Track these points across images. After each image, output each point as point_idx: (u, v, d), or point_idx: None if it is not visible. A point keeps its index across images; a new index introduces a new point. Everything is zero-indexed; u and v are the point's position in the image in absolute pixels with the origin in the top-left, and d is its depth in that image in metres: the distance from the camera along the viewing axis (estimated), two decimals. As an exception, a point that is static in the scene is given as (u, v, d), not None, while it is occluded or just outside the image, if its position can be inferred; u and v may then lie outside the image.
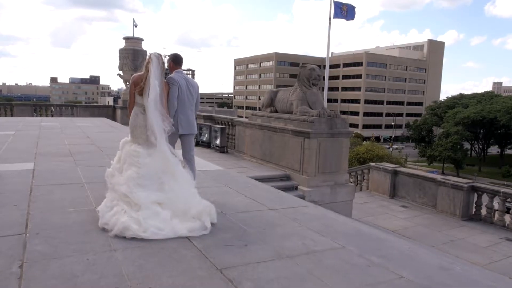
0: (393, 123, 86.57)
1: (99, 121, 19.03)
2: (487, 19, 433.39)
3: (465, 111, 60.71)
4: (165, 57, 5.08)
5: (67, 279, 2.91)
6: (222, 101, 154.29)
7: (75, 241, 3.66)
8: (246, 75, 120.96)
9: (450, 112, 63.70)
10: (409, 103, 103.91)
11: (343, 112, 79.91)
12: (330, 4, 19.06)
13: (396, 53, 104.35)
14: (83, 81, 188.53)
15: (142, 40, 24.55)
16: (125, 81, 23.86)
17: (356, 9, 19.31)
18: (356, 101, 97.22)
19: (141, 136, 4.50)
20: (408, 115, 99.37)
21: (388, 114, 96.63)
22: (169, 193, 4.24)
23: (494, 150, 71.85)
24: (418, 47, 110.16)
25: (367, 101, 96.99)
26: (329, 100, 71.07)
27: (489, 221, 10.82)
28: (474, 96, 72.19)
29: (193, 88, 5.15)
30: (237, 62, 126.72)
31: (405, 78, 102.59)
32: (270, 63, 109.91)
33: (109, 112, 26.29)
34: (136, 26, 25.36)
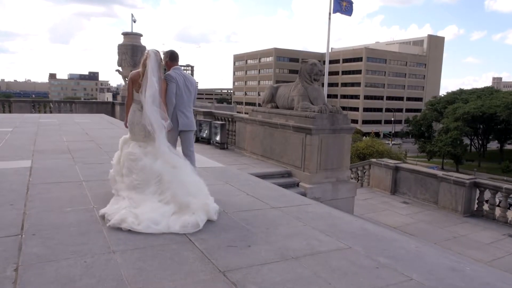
0: (392, 119, 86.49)
1: (98, 118, 18.88)
2: (487, 14, 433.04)
3: (465, 107, 60.58)
4: (162, 54, 5.03)
5: (64, 284, 2.79)
6: (221, 97, 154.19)
7: (73, 242, 3.54)
8: (246, 71, 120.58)
9: (450, 107, 63.58)
10: (408, 99, 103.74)
11: (343, 108, 78.47)
12: (330, -1, 18.85)
13: (396, 49, 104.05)
14: (82, 77, 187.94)
15: (141, 35, 24.39)
16: (124, 77, 23.70)
17: (353, 5, 19.13)
18: (356, 97, 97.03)
19: (140, 133, 4.54)
20: (407, 110, 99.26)
21: (387, 110, 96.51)
22: (169, 187, 4.28)
23: (493, 145, 71.82)
24: (418, 42, 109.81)
25: (366, 97, 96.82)
26: (328, 96, 70.72)
27: (491, 217, 10.74)
28: (474, 91, 72.07)
29: (191, 85, 5.20)
30: (237, 58, 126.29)
31: (405, 74, 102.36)
32: (269, 59, 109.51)
33: (108, 109, 26.14)
34: (135, 22, 25.17)
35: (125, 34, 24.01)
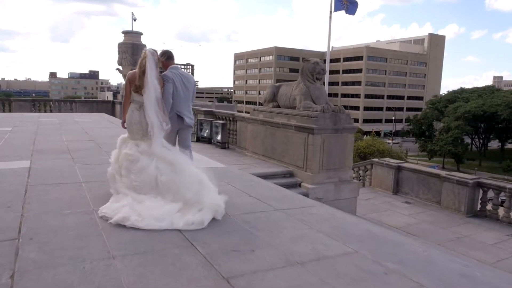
0: (393, 118, 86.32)
1: (98, 117, 18.78)
2: (487, 12, 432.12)
3: (466, 106, 60.45)
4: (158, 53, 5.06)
5: (62, 291, 2.69)
6: (221, 96, 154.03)
7: (71, 247, 3.43)
8: (246, 70, 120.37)
9: (451, 106, 63.42)
10: (409, 98, 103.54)
11: (344, 107, 79.47)
12: (331, -3, 18.69)
13: (397, 47, 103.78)
14: (82, 76, 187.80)
15: (141, 34, 24.27)
16: (124, 76, 23.52)
17: (357, 6, 18.88)
18: (357, 96, 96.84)
19: (138, 133, 4.56)
20: (408, 109, 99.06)
21: (388, 109, 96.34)
22: (170, 187, 4.26)
23: (494, 144, 71.69)
24: (418, 41, 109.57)
25: (367, 96, 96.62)
26: (329, 95, 70.49)
27: (494, 217, 10.63)
28: (474, 90, 71.90)
29: (189, 82, 5.23)
30: (237, 57, 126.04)
31: (406, 72, 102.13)
32: (270, 58, 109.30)
33: (108, 108, 26.04)
34: (135, 20, 25.08)
35: (125, 33, 23.91)
